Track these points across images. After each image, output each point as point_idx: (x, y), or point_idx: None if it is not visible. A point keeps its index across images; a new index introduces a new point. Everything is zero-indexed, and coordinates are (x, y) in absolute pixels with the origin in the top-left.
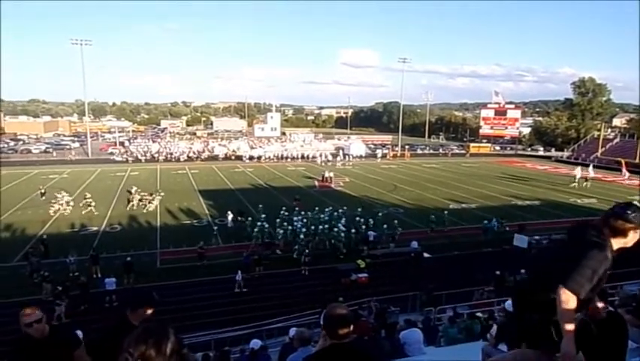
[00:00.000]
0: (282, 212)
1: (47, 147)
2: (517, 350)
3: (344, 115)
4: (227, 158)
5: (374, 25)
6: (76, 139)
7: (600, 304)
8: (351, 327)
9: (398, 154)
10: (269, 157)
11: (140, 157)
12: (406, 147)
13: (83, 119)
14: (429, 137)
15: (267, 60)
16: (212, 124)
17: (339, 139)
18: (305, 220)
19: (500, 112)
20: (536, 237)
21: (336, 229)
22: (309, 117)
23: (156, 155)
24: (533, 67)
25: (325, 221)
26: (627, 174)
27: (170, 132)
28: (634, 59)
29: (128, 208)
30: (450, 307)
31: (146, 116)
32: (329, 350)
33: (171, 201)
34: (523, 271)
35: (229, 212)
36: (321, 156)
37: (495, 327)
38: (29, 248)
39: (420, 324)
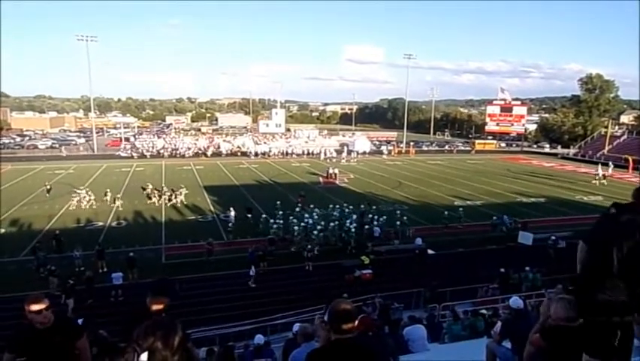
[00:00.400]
0: (297, 209)
1: (53, 143)
2: None
3: (349, 111)
4: (232, 154)
5: (379, 22)
6: (81, 135)
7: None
8: (356, 323)
9: (403, 151)
10: (273, 153)
11: (145, 153)
12: (411, 143)
13: (89, 115)
14: (434, 133)
15: (272, 56)
16: (216, 120)
17: (343, 135)
18: (316, 216)
19: (506, 109)
20: (542, 234)
21: (347, 225)
22: (314, 113)
23: (161, 151)
24: (540, 63)
25: (336, 218)
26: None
27: (175, 128)
28: None
29: (149, 203)
30: (451, 305)
31: (151, 112)
32: (333, 345)
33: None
34: (527, 268)
35: (231, 208)
36: (325, 152)
37: (499, 324)
38: (36, 243)
39: (424, 321)
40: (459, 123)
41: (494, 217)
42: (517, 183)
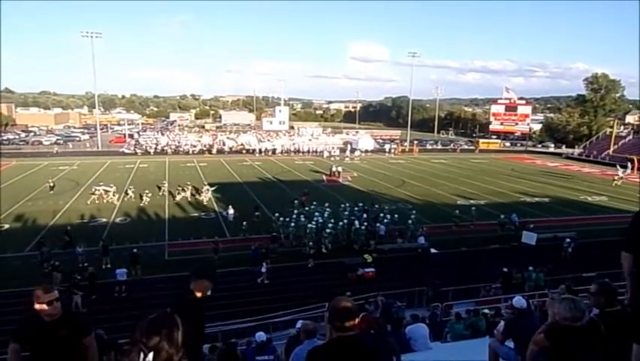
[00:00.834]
0: (312, 206)
1: (58, 139)
2: None
3: (352, 109)
4: (235, 151)
5: (384, 20)
6: (86, 131)
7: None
8: (357, 320)
9: (406, 149)
10: (277, 151)
11: (149, 150)
12: (415, 142)
13: (93, 112)
14: (438, 132)
15: (276, 54)
16: (220, 117)
17: (347, 134)
18: (326, 215)
19: (511, 108)
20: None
21: (357, 224)
22: (318, 111)
23: (165, 147)
24: (545, 62)
25: (345, 216)
26: (627, 171)
27: (179, 125)
28: None
29: (174, 200)
30: (449, 304)
31: (155, 109)
32: (334, 342)
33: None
34: (530, 268)
35: (230, 207)
36: (329, 151)
37: (502, 323)
38: (40, 238)
39: (427, 320)
40: (463, 122)
41: (502, 216)
42: (521, 183)
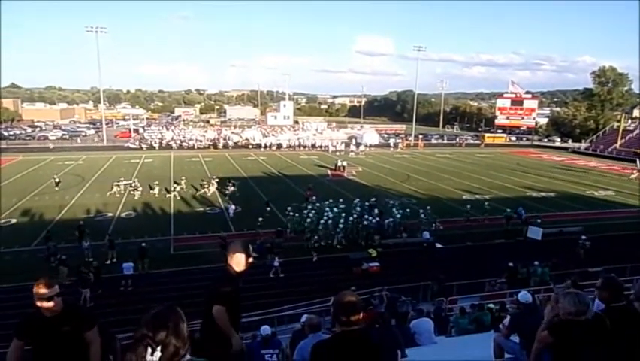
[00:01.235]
0: (325, 202)
1: (64, 134)
2: None
3: (357, 104)
4: (240, 146)
5: (389, 14)
6: (91, 126)
7: None
8: (361, 314)
9: (411, 144)
10: (282, 146)
11: (154, 144)
12: (420, 136)
13: (98, 107)
14: (443, 127)
15: (281, 49)
16: (225, 112)
17: (352, 128)
18: (336, 210)
19: (517, 102)
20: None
21: (369, 218)
22: (323, 106)
23: (170, 142)
24: (552, 56)
25: (357, 211)
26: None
27: (183, 120)
28: None
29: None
30: (458, 299)
31: (160, 104)
32: (339, 336)
33: (185, 189)
34: (536, 263)
35: (230, 202)
36: (333, 145)
37: (508, 318)
38: (47, 232)
39: (432, 314)
40: (468, 116)
41: (508, 209)
42: (527, 178)
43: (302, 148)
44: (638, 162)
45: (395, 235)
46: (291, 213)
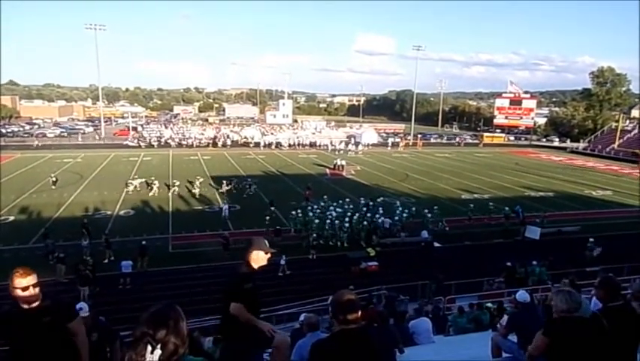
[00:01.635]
0: (336, 203)
1: (62, 132)
2: None
3: (356, 103)
4: (239, 144)
5: (389, 13)
6: (90, 124)
7: None
8: (359, 313)
9: (410, 143)
10: (280, 144)
11: (152, 142)
12: (419, 136)
13: (97, 104)
14: (442, 126)
15: (281, 47)
16: (224, 110)
17: (351, 127)
18: (340, 210)
19: (515, 102)
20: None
21: (377, 217)
22: (322, 105)
23: (169, 140)
24: (551, 56)
25: (361, 210)
26: None
27: (182, 118)
28: None
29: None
30: (456, 298)
31: (159, 102)
32: (338, 335)
33: (183, 187)
34: (534, 262)
35: (224, 202)
36: (332, 144)
37: (505, 317)
38: (44, 230)
39: (430, 314)
40: (467, 116)
41: (506, 208)
42: (526, 177)
43: (301, 147)
44: None
45: (395, 235)
46: (294, 213)
